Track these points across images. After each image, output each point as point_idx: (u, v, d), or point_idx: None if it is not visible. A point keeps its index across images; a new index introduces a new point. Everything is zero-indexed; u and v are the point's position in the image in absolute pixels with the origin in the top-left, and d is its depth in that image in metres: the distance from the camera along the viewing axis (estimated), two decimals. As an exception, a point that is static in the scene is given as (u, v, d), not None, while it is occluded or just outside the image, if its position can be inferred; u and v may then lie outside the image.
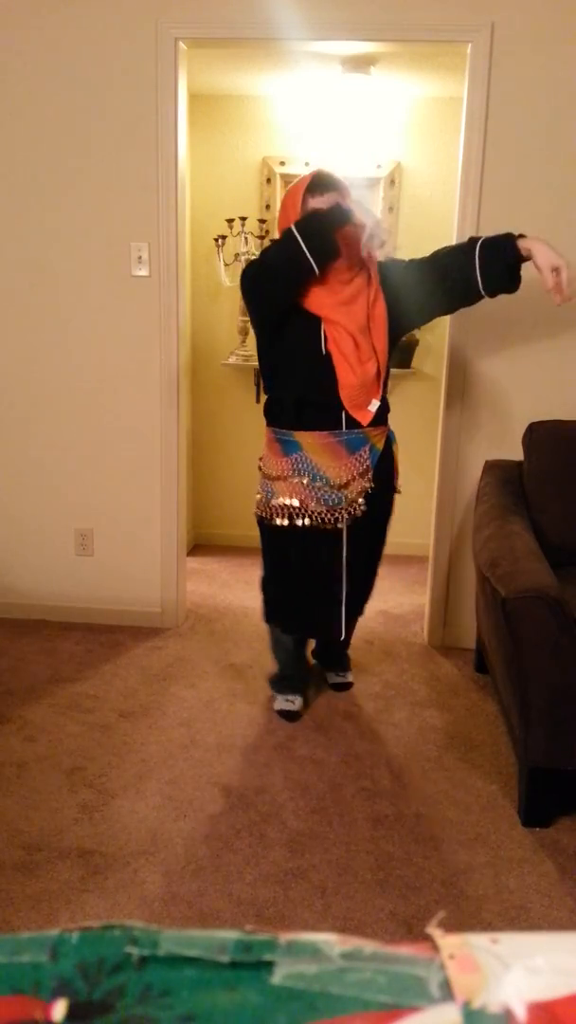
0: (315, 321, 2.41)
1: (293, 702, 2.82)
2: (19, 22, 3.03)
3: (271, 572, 2.64)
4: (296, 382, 2.48)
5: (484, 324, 3.09)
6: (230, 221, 4.07)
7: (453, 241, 3.08)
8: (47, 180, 3.15)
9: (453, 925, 1.93)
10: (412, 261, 2.51)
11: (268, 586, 2.66)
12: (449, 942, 0.39)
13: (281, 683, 2.85)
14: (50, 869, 2.05)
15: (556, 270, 2.31)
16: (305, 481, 2.46)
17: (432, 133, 4.13)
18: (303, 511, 2.46)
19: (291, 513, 2.47)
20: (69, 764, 2.48)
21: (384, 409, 2.52)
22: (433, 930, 0.40)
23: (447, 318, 3.16)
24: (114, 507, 3.40)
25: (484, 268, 2.39)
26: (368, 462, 2.48)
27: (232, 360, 4.34)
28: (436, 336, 4.19)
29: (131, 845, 2.14)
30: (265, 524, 2.55)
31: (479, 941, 0.39)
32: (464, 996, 0.35)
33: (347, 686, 2.99)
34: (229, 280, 4.15)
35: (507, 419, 3.11)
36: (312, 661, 3.04)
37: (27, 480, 3.41)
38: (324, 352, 2.41)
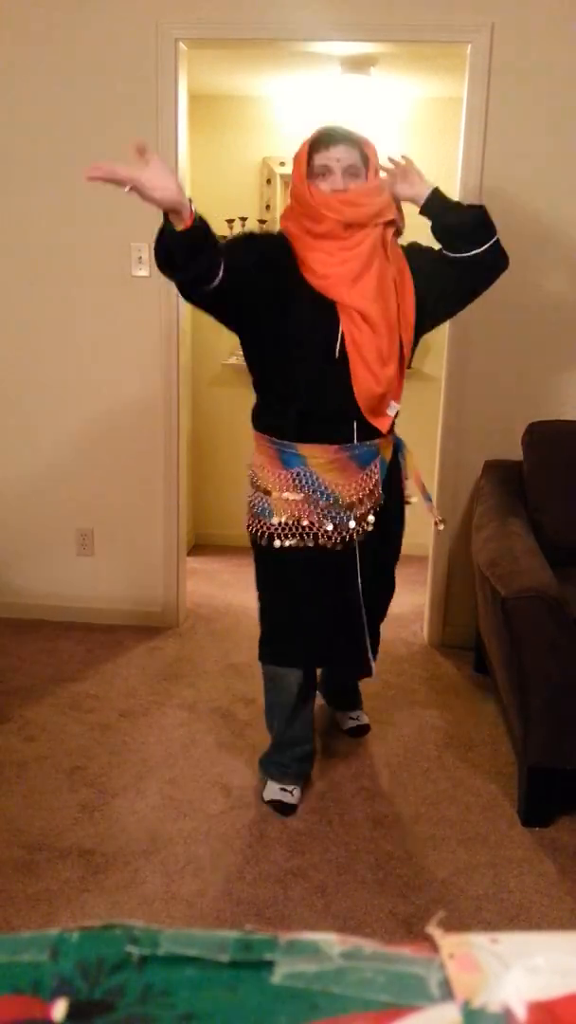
0: (326, 310, 2.00)
1: (291, 792, 2.30)
2: (19, 22, 3.03)
3: (275, 600, 2.23)
4: (299, 390, 2.07)
5: (484, 324, 3.09)
6: (230, 222, 4.07)
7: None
8: (47, 180, 3.15)
9: (453, 925, 1.92)
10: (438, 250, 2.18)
11: (271, 617, 2.24)
12: (449, 941, 0.39)
13: (278, 763, 2.33)
14: (50, 869, 2.05)
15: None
16: (313, 499, 2.11)
17: (432, 133, 4.13)
18: (311, 531, 2.11)
19: (298, 533, 2.11)
20: (69, 764, 2.48)
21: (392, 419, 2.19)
22: (433, 929, 0.40)
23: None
24: (115, 507, 3.40)
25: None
26: (378, 476, 2.15)
27: (232, 360, 4.34)
28: (436, 336, 4.19)
29: (131, 845, 2.14)
30: (262, 545, 2.16)
31: (479, 941, 0.39)
32: (464, 995, 0.35)
33: (364, 729, 2.66)
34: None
35: (507, 419, 3.11)
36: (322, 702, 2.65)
37: (28, 479, 3.41)
38: (338, 354, 2.02)
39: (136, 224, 3.13)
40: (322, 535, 2.11)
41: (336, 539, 2.12)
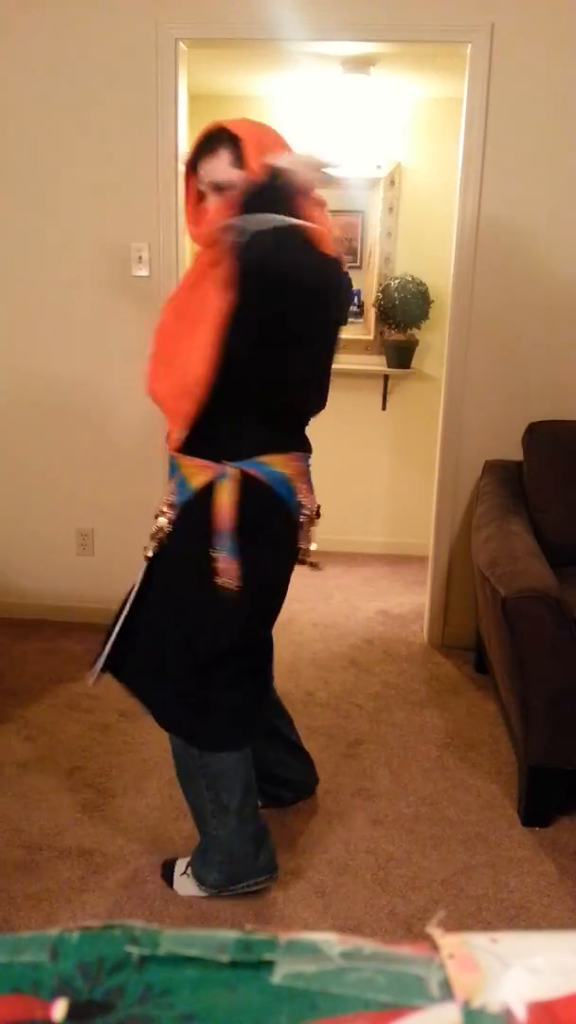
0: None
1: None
2: (19, 22, 3.03)
3: None
4: None
5: (484, 324, 3.09)
6: (230, 221, 4.07)
7: (453, 241, 3.08)
8: (47, 180, 3.15)
9: (453, 925, 1.93)
10: None
11: None
12: (449, 941, 0.39)
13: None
14: (50, 869, 2.05)
15: None
16: None
17: (432, 133, 4.13)
18: None
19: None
20: (69, 764, 2.48)
21: (218, 444, 1.77)
22: (433, 929, 0.40)
23: (447, 316, 3.16)
24: (115, 507, 3.40)
25: None
26: (173, 495, 1.84)
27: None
28: (436, 336, 4.19)
29: (131, 845, 2.14)
30: None
31: (479, 940, 0.39)
32: (464, 995, 0.35)
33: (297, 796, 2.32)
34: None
35: (507, 419, 3.11)
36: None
37: (28, 480, 3.41)
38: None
39: (136, 224, 3.14)
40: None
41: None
